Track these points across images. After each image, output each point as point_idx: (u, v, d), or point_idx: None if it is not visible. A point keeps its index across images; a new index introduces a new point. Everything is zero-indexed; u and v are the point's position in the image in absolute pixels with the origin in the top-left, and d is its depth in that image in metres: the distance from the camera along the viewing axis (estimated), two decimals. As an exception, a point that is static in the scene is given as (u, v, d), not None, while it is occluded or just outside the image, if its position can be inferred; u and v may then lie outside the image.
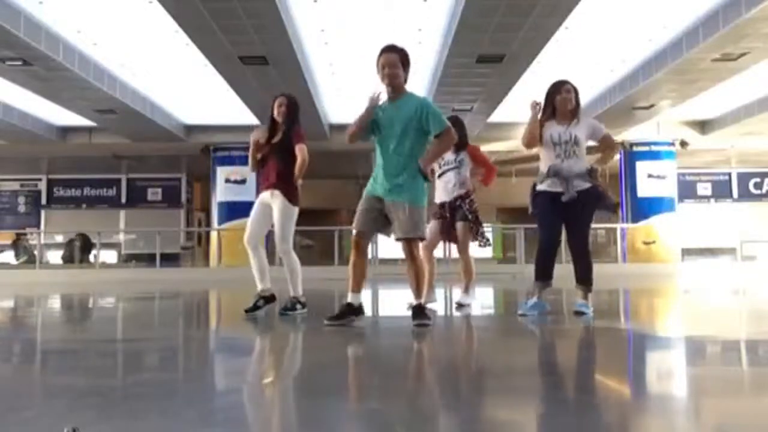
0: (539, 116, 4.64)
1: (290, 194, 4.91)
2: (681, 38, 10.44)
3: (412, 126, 4.12)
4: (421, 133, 4.15)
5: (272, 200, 4.95)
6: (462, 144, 5.35)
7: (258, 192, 5.20)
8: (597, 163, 4.71)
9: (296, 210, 4.95)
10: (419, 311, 4.13)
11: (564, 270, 4.91)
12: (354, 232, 4.25)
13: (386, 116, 4.20)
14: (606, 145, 4.86)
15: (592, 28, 10.12)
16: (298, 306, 4.95)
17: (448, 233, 5.48)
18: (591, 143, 4.81)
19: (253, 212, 5.07)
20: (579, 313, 4.53)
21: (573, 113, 4.64)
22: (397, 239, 4.14)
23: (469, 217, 5.37)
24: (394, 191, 4.10)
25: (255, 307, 4.98)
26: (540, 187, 4.65)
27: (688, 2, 9.37)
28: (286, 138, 4.95)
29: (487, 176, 5.60)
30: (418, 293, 4.14)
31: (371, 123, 4.21)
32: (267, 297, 5.02)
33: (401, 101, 4.20)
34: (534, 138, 4.66)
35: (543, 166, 4.67)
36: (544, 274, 4.66)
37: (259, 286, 5.03)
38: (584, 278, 4.59)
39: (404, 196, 4.09)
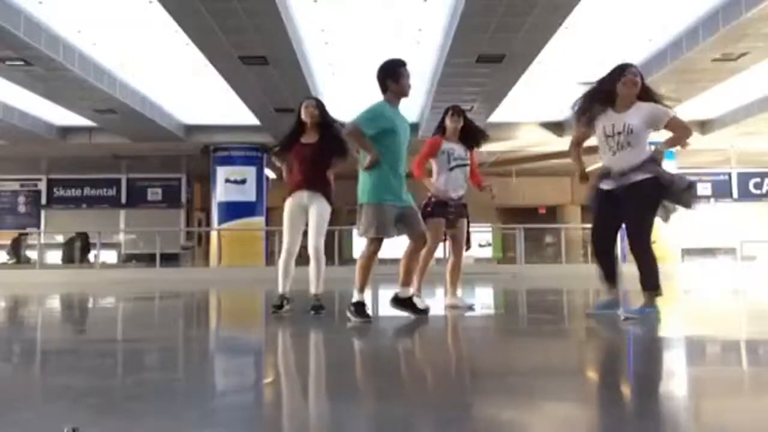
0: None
1: (330, 195, 5.03)
2: (681, 38, 10.44)
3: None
4: None
5: (310, 200, 4.98)
6: (472, 142, 5.39)
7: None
8: (664, 145, 4.30)
9: (329, 209, 5.06)
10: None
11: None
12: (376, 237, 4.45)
13: (400, 121, 4.54)
14: (677, 129, 4.39)
15: (592, 28, 10.12)
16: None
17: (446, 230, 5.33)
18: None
19: (290, 222, 5.02)
20: (628, 319, 4.22)
21: (641, 97, 4.32)
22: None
23: (468, 217, 5.36)
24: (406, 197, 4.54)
25: (281, 306, 5.02)
26: (600, 185, 4.43)
27: (688, 2, 9.37)
28: (327, 137, 4.99)
29: (479, 181, 5.56)
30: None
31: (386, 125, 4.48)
32: (288, 298, 5.07)
33: (401, 114, 4.61)
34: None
35: (600, 161, 4.46)
36: (605, 277, 4.46)
37: (282, 289, 5.07)
38: (647, 284, 4.28)
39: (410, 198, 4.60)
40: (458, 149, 5.27)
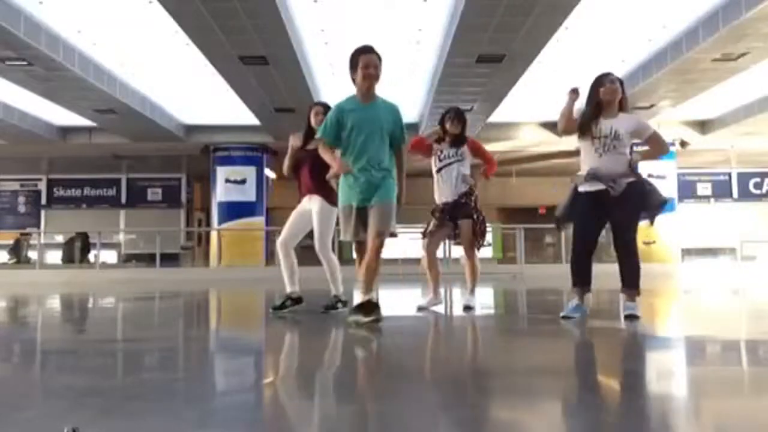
0: (575, 106, 4.39)
1: (329, 197, 4.91)
2: (681, 38, 10.45)
3: (387, 129, 4.28)
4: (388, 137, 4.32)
5: (311, 204, 5.02)
6: (463, 138, 5.20)
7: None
8: (638, 156, 4.44)
9: (335, 211, 4.84)
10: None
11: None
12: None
13: (362, 117, 4.24)
14: (654, 145, 4.55)
15: (592, 28, 10.12)
16: (339, 304, 5.03)
17: (449, 233, 5.23)
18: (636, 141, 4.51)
19: (291, 217, 5.13)
20: (631, 317, 4.21)
21: (620, 106, 4.38)
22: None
23: (474, 215, 5.12)
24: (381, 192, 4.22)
25: (282, 306, 5.04)
26: (581, 189, 4.38)
27: (688, 2, 9.37)
28: None
29: (490, 169, 5.37)
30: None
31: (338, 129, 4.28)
32: (295, 299, 5.08)
33: (375, 104, 4.30)
34: (569, 122, 4.41)
35: (583, 165, 4.40)
36: (581, 281, 4.40)
37: (288, 288, 5.09)
38: (632, 283, 4.28)
39: (391, 194, 4.27)
40: (447, 149, 5.13)
